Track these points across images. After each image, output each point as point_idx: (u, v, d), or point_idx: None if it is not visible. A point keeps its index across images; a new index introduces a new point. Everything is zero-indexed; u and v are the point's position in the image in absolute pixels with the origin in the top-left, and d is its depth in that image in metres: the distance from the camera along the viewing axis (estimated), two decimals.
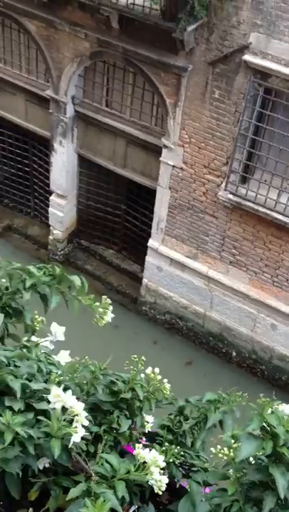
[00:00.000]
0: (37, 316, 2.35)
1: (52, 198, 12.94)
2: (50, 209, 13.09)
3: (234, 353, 11.89)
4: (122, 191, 12.59)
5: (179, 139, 10.41)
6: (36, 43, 11.15)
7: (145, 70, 10.12)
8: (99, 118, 11.55)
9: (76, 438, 1.75)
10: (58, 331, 2.40)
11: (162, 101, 10.27)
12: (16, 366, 1.98)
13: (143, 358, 2.16)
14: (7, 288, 2.20)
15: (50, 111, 11.77)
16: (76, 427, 1.75)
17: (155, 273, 12.14)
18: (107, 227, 13.28)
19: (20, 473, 1.77)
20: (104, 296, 2.39)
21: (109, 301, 2.33)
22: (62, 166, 12.34)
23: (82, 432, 1.76)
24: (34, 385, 1.95)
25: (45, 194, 13.45)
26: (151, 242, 11.91)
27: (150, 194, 11.71)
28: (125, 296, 12.89)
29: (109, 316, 2.30)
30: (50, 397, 1.83)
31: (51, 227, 13.32)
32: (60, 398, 1.77)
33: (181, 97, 9.97)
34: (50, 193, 12.99)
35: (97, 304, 2.27)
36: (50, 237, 13.42)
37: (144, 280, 12.41)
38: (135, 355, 2.16)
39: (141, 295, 12.61)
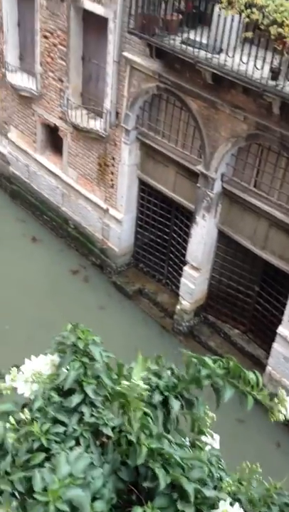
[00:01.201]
0: (208, 411, 2.22)
1: (186, 268, 13.03)
2: (183, 279, 13.16)
3: None
4: (258, 272, 12.34)
5: None
6: (196, 120, 11.61)
7: None
8: (245, 197, 11.57)
9: None
10: (215, 438, 2.27)
11: None
12: (188, 467, 1.86)
13: None
14: (183, 376, 2.12)
15: (198, 185, 12.04)
16: None
17: (281, 362, 11.53)
18: (237, 306, 13.00)
19: None
20: (282, 391, 2.21)
21: (285, 394, 2.13)
22: (201, 238, 12.44)
23: None
24: (206, 492, 1.82)
25: (179, 264, 13.59)
26: (281, 329, 11.40)
27: (287, 279, 11.33)
28: None
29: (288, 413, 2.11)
30: None
31: (180, 297, 13.33)
32: None
33: None
34: (185, 263, 13.09)
35: (275, 400, 2.10)
36: (178, 307, 13.41)
37: (268, 368, 11.83)
38: None
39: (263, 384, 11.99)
